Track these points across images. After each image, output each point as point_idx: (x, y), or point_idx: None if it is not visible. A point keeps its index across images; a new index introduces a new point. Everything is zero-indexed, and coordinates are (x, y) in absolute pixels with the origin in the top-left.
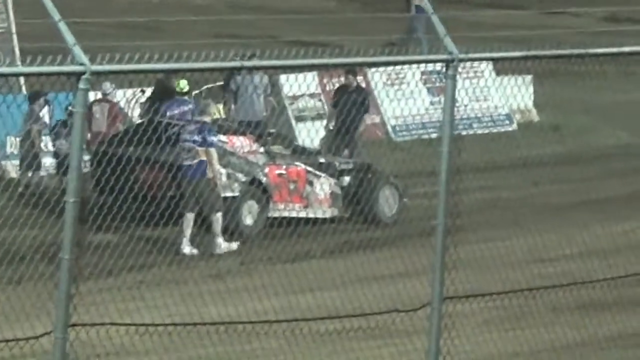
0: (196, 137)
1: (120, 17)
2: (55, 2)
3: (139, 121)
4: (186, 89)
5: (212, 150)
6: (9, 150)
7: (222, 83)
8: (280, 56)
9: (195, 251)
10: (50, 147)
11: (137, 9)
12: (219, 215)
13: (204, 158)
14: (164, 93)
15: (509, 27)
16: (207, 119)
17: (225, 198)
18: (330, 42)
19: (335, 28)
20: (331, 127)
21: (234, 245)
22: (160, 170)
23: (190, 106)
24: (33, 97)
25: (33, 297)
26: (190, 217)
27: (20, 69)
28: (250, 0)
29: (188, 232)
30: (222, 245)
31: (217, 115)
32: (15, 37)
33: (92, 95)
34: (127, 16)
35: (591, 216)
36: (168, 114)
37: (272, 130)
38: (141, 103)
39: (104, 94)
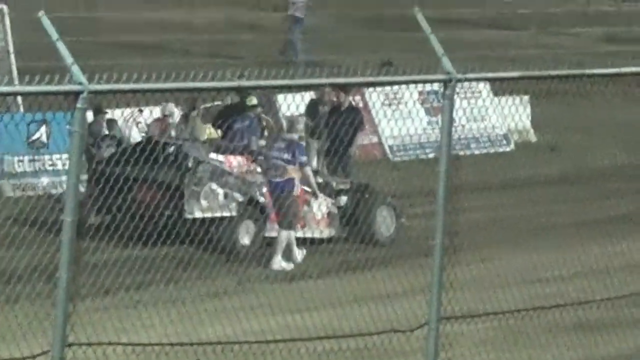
0: (286, 155)
1: (116, 36)
2: (52, 21)
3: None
4: (251, 103)
5: (307, 170)
6: (6, 169)
7: (219, 102)
8: (277, 76)
9: (288, 265)
10: (48, 166)
11: (133, 28)
12: (286, 234)
13: (292, 176)
14: (235, 108)
15: (507, 47)
16: (296, 136)
17: (222, 218)
18: (327, 62)
19: (330, 47)
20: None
21: (291, 265)
22: (158, 189)
23: (247, 122)
24: (96, 112)
25: (30, 316)
26: (284, 234)
27: (19, 88)
28: (248, 20)
29: (280, 248)
30: (280, 263)
31: (213, 135)
32: (12, 56)
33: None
34: (122, 35)
35: (588, 236)
36: (235, 126)
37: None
38: (138, 122)
39: (164, 115)
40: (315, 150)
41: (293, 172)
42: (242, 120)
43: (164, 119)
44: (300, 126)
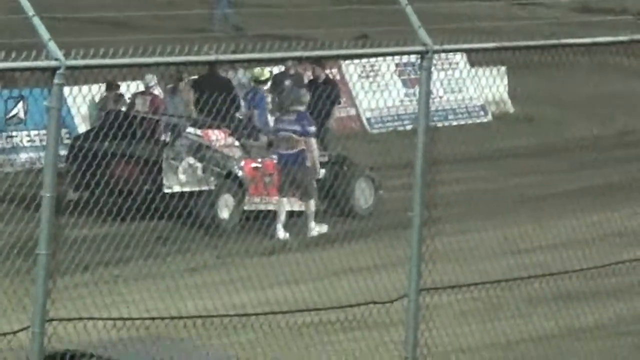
0: (296, 127)
1: (90, 13)
2: None
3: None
4: (263, 77)
5: (312, 140)
6: None
7: (195, 77)
8: (255, 50)
9: (287, 235)
10: (26, 142)
11: (106, 5)
12: (313, 201)
13: (303, 147)
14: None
15: (481, 18)
16: (302, 108)
17: (201, 192)
18: (302, 35)
19: (305, 21)
20: None
21: (325, 228)
22: (136, 164)
23: (259, 95)
24: (108, 87)
25: (9, 293)
26: (285, 202)
27: None
28: None
29: (282, 217)
30: (315, 228)
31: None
32: None
33: (133, 87)
34: (97, 12)
35: (565, 207)
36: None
37: (246, 123)
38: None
39: (147, 87)
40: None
41: (303, 144)
42: (251, 94)
43: (146, 90)
44: (306, 98)
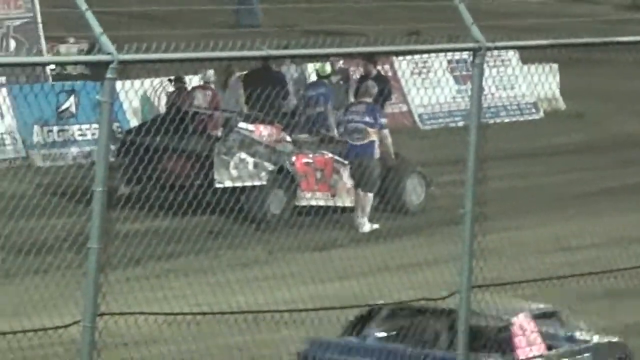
0: (367, 119)
1: (140, 6)
2: None
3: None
4: (327, 72)
5: (386, 131)
6: (35, 139)
7: (246, 72)
8: (306, 45)
9: (376, 226)
10: (77, 136)
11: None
12: (371, 195)
13: (373, 138)
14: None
15: (533, 15)
16: (370, 99)
17: (253, 187)
18: (353, 31)
19: (357, 17)
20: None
21: (376, 226)
22: (188, 159)
23: (325, 89)
24: (175, 81)
25: (61, 286)
26: (361, 193)
27: (48, 58)
28: None
29: (367, 209)
30: (367, 225)
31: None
32: (40, 26)
33: (195, 82)
34: (146, 6)
35: (616, 204)
36: (309, 93)
37: (299, 119)
38: (168, 92)
39: (206, 82)
40: (335, 120)
41: (374, 135)
42: (315, 88)
43: (206, 85)
44: (374, 90)
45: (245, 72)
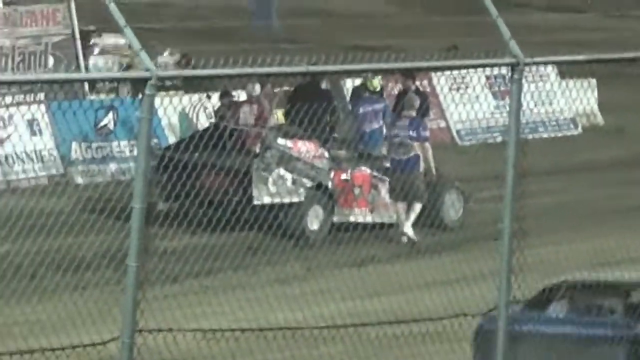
0: (411, 132)
1: (178, 22)
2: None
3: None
4: (378, 88)
5: (427, 145)
6: (74, 156)
7: (287, 88)
8: (344, 61)
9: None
10: (116, 152)
11: (194, 14)
12: (419, 205)
13: (417, 152)
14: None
15: (571, 30)
16: (414, 113)
17: (291, 203)
18: (392, 46)
19: (394, 32)
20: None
21: (416, 238)
22: (226, 175)
23: (382, 105)
24: (222, 95)
25: (100, 303)
26: (401, 207)
27: (87, 75)
28: (309, 4)
29: (413, 218)
30: (409, 233)
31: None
32: (79, 42)
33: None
34: (184, 22)
35: None
36: (361, 110)
37: (336, 135)
38: (206, 108)
39: (250, 96)
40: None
41: (418, 149)
42: (369, 104)
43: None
44: (417, 103)
45: (292, 88)
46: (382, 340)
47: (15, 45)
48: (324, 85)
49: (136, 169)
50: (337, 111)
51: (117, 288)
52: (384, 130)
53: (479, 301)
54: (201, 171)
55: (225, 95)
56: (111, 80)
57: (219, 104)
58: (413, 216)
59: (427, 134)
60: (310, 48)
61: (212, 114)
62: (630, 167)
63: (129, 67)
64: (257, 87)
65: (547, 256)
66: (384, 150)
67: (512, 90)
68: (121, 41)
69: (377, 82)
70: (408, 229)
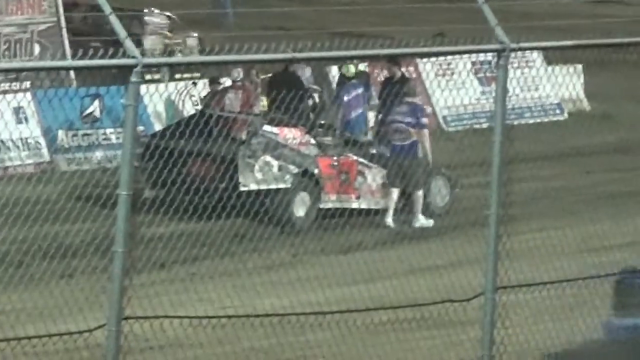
0: (409, 119)
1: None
2: None
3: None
4: (352, 74)
5: (425, 131)
6: (60, 143)
7: (270, 75)
8: (331, 47)
9: (431, 221)
10: (102, 140)
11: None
12: (421, 192)
13: (415, 138)
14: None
15: (558, 16)
16: (416, 99)
17: (277, 190)
18: (379, 33)
19: (381, 19)
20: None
21: (431, 222)
22: (212, 162)
23: (361, 90)
24: (212, 82)
25: (86, 290)
26: (395, 192)
27: (72, 62)
28: None
29: (392, 206)
30: (421, 220)
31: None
32: (64, 31)
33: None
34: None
35: None
36: (345, 98)
37: (323, 122)
38: (192, 95)
39: (234, 81)
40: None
41: (416, 135)
42: (350, 90)
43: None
44: (418, 89)
45: (268, 75)
46: (368, 326)
47: (1, 33)
48: (300, 72)
49: (122, 156)
50: (308, 98)
51: (104, 275)
52: (367, 115)
53: (466, 287)
54: (187, 158)
55: (212, 82)
56: (99, 67)
57: (205, 91)
58: (418, 206)
59: (426, 120)
60: (299, 35)
61: (198, 101)
62: (616, 153)
63: (167, 48)
64: (241, 72)
65: (534, 242)
66: (370, 136)
67: (498, 76)
68: (162, 21)
69: (353, 68)
70: (420, 219)
